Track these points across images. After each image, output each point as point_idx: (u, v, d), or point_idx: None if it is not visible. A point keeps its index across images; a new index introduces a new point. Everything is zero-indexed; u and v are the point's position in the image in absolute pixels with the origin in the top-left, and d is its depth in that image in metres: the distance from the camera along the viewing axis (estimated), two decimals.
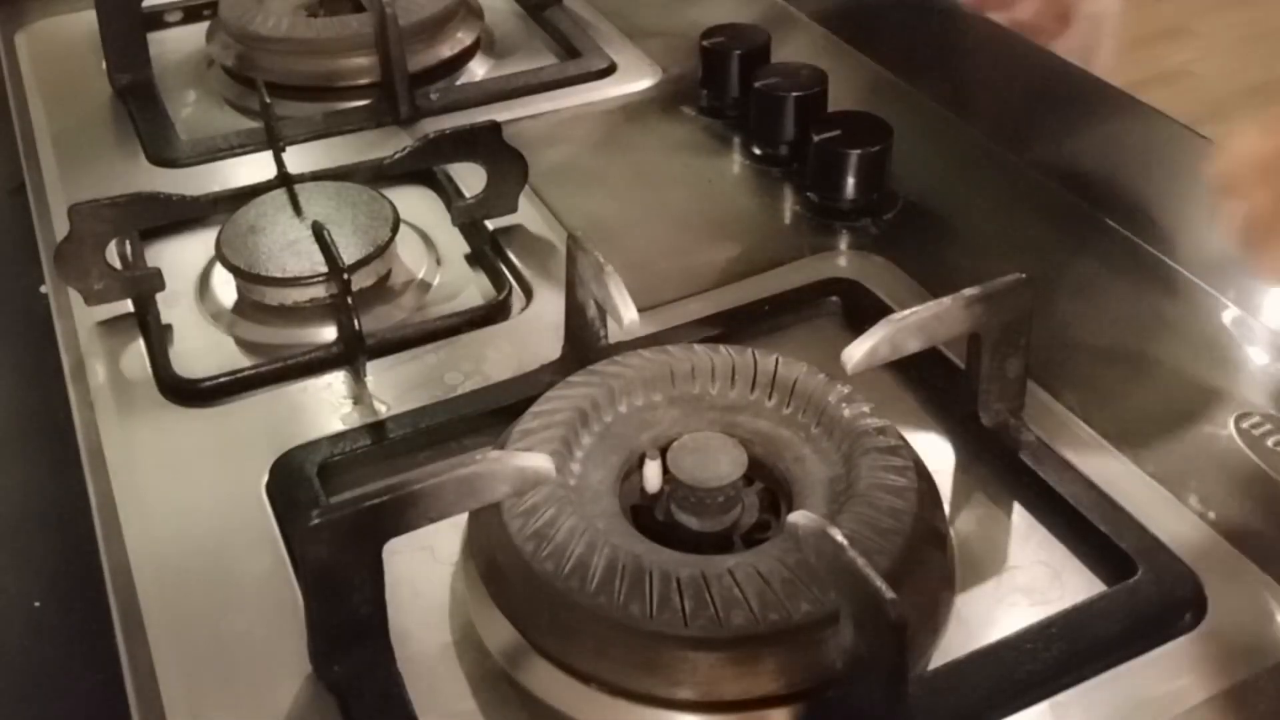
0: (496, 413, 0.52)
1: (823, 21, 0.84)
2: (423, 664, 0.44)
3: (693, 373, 0.49)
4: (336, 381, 0.56)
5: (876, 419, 0.47)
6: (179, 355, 0.58)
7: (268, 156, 0.65)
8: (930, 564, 0.45)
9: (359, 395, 0.55)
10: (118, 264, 0.61)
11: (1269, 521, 0.48)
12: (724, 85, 0.74)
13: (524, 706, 0.43)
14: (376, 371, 0.56)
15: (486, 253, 0.64)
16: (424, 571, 0.47)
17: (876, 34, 0.83)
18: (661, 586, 0.41)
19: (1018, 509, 0.50)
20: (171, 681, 0.43)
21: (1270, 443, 0.51)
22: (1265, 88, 2.36)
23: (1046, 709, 0.42)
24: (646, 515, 0.47)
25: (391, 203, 0.63)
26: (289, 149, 0.65)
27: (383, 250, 0.61)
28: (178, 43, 0.85)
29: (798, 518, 0.40)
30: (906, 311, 0.48)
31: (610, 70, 0.80)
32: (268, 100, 0.65)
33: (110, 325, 0.59)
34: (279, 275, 0.59)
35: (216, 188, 0.66)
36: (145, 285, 0.60)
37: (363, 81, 0.77)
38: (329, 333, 0.59)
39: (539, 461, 0.42)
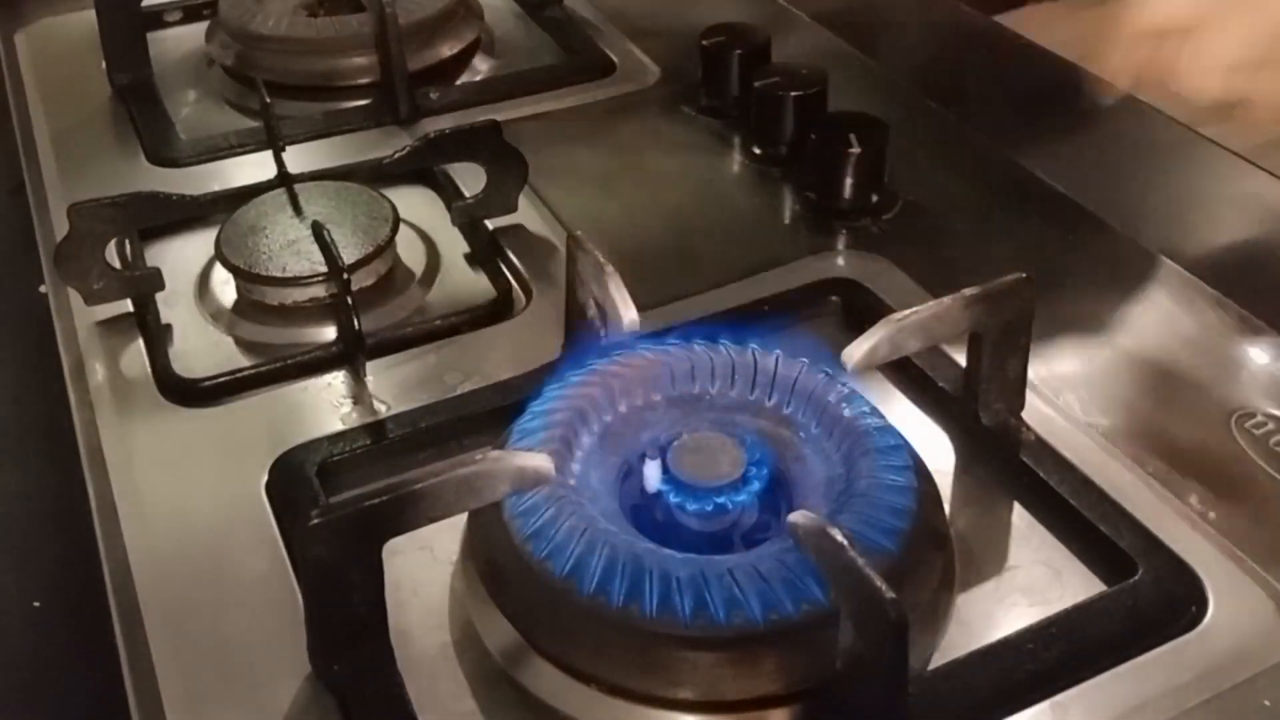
0: (496, 413, 0.52)
1: (823, 21, 0.84)
2: (423, 664, 0.44)
3: (693, 373, 0.49)
4: (336, 381, 0.56)
5: (876, 419, 0.47)
6: (179, 355, 0.58)
7: (268, 156, 0.65)
8: (930, 564, 0.45)
9: (359, 395, 0.55)
10: (117, 264, 0.61)
11: (1269, 521, 0.48)
12: (724, 85, 0.74)
13: (524, 706, 0.43)
14: (376, 371, 0.56)
15: (486, 253, 0.64)
16: (424, 571, 0.47)
17: (876, 34, 0.83)
18: (661, 586, 0.41)
19: (1018, 509, 0.50)
20: (171, 681, 0.43)
21: (1270, 443, 0.51)
22: None
23: (1047, 709, 0.42)
24: (646, 515, 0.47)
25: (391, 202, 0.63)
26: (289, 149, 0.65)
27: (383, 250, 0.61)
28: (178, 43, 0.85)
29: (798, 518, 0.40)
30: (906, 311, 0.48)
31: (610, 70, 0.80)
32: (268, 100, 0.65)
33: (110, 325, 0.59)
34: (279, 275, 0.59)
35: (216, 187, 0.66)
36: (145, 285, 0.60)
37: (363, 81, 0.77)
38: (329, 333, 0.59)
39: (539, 461, 0.42)
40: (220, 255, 0.60)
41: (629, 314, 0.49)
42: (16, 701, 0.44)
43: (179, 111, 0.78)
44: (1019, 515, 0.49)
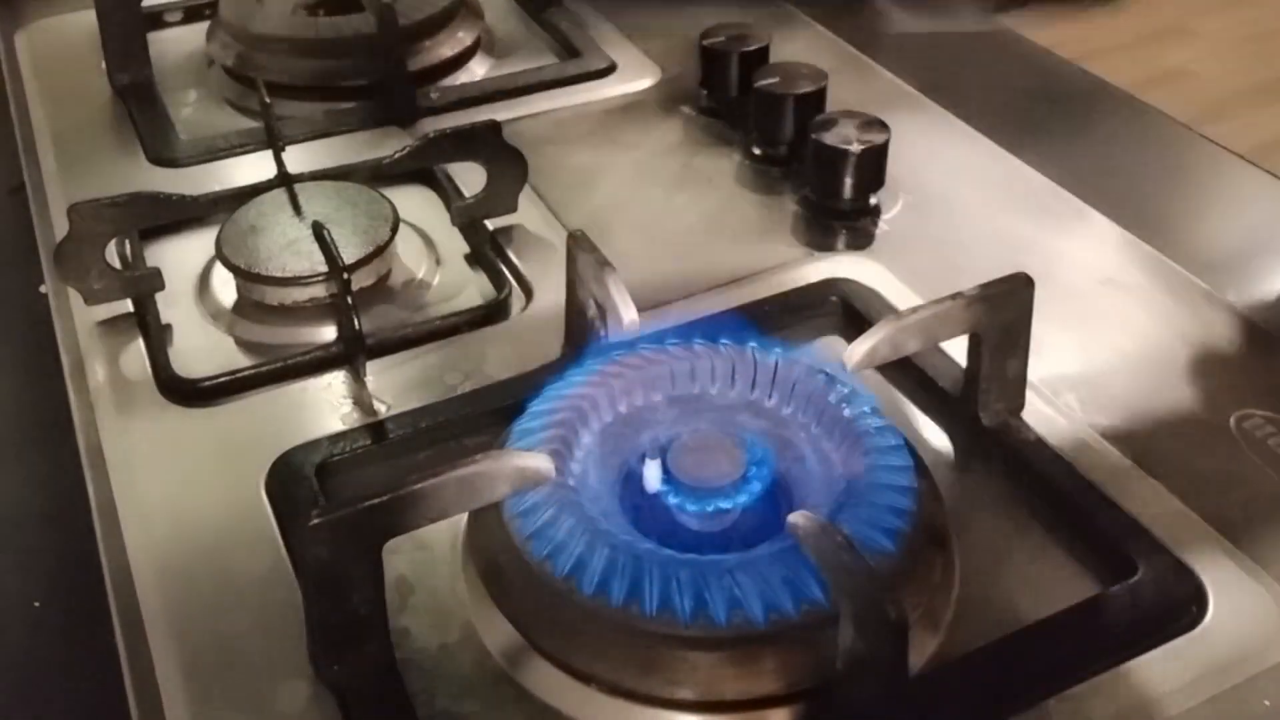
0: (496, 413, 0.52)
1: (823, 21, 0.84)
2: (423, 664, 0.44)
3: (693, 372, 0.49)
4: (336, 381, 0.56)
5: (876, 419, 0.47)
6: (179, 355, 0.58)
7: (268, 156, 0.65)
8: (930, 564, 0.45)
9: (359, 395, 0.55)
10: (117, 264, 0.61)
11: (1269, 521, 0.48)
12: (724, 85, 0.74)
13: (524, 706, 0.43)
14: (376, 371, 0.56)
15: (486, 253, 0.64)
16: (424, 571, 0.47)
17: (876, 34, 0.83)
18: (661, 586, 0.41)
19: (1017, 509, 0.50)
20: (171, 681, 0.43)
21: (1270, 443, 0.51)
22: (1265, 88, 2.36)
23: (1047, 709, 0.42)
24: (646, 515, 0.47)
25: (391, 203, 0.63)
26: (289, 149, 0.65)
27: (383, 250, 0.61)
28: (178, 43, 0.85)
29: (798, 518, 0.40)
30: (906, 311, 0.48)
31: (610, 70, 0.80)
32: (267, 100, 0.65)
33: (110, 325, 0.59)
34: (279, 275, 0.59)
35: (216, 187, 0.66)
36: (145, 285, 0.60)
37: (363, 81, 0.77)
38: (329, 333, 0.59)
39: (539, 461, 0.42)
40: (220, 255, 0.60)
41: (629, 314, 0.49)
42: (16, 701, 0.44)
43: (179, 111, 0.78)
44: (1019, 515, 0.49)
